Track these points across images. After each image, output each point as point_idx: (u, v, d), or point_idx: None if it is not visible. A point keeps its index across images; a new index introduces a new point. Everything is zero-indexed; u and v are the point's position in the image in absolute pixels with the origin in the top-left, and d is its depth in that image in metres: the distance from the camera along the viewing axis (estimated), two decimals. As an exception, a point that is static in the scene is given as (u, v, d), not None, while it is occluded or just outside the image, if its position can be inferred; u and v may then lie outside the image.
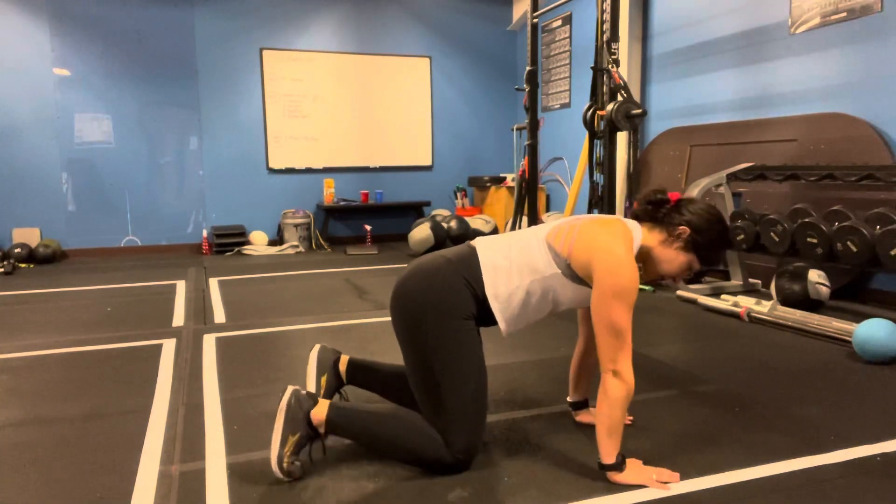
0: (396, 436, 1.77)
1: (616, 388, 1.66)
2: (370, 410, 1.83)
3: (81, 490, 1.73)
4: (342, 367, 2.15)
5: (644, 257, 1.80)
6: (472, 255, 1.82)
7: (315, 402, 1.81)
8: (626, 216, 1.96)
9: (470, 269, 1.79)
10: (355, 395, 2.25)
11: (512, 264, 1.78)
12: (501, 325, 1.81)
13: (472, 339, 1.77)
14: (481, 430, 1.77)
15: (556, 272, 1.76)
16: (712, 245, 1.80)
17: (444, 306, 1.74)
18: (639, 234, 1.79)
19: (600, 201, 4.43)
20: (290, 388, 1.81)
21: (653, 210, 1.83)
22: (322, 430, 1.79)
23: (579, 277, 1.75)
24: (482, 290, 1.78)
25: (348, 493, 1.68)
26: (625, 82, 4.20)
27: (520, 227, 5.78)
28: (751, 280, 4.40)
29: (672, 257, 1.80)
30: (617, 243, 1.69)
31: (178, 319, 3.72)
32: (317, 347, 2.17)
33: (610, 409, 1.66)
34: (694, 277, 4.51)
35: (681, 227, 1.78)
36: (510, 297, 1.78)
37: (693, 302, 3.94)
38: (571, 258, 1.74)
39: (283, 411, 1.76)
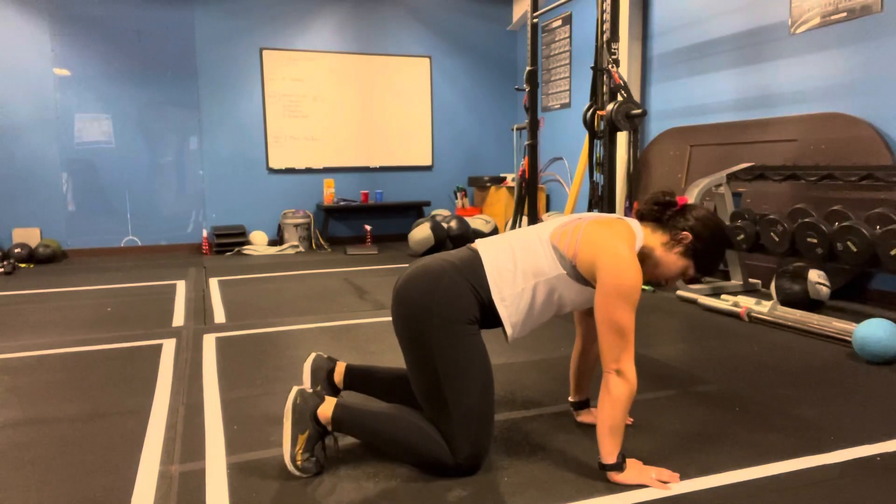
0: (401, 437, 1.76)
1: (619, 388, 1.66)
2: (376, 410, 1.83)
3: (81, 490, 1.73)
4: (338, 375, 2.14)
5: (643, 258, 1.80)
6: (476, 259, 1.81)
7: (322, 400, 1.81)
8: (626, 216, 1.95)
9: (474, 274, 1.78)
10: (354, 399, 2.24)
11: (517, 267, 1.78)
12: (508, 329, 1.80)
13: (477, 345, 1.76)
14: (487, 437, 1.76)
15: (561, 273, 1.75)
16: (710, 254, 1.81)
17: (448, 312, 1.73)
18: (641, 234, 1.79)
19: (600, 201, 4.43)
20: (295, 389, 1.82)
21: (658, 211, 1.83)
22: (330, 429, 1.80)
23: (584, 278, 1.75)
24: (487, 294, 1.77)
25: (348, 493, 1.68)
26: (625, 82, 4.20)
27: (520, 227, 5.78)
28: (751, 280, 4.40)
29: (670, 261, 1.80)
30: (621, 244, 1.69)
31: (178, 319, 3.72)
32: (311, 357, 2.16)
33: (612, 409, 1.66)
34: (693, 278, 4.51)
35: (683, 233, 1.78)
36: (516, 300, 1.77)
37: (693, 302, 3.94)
38: (577, 259, 1.74)
39: (289, 411, 1.77)
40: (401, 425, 1.77)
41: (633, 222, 1.82)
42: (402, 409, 1.84)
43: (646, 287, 4.34)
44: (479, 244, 1.87)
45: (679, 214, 1.81)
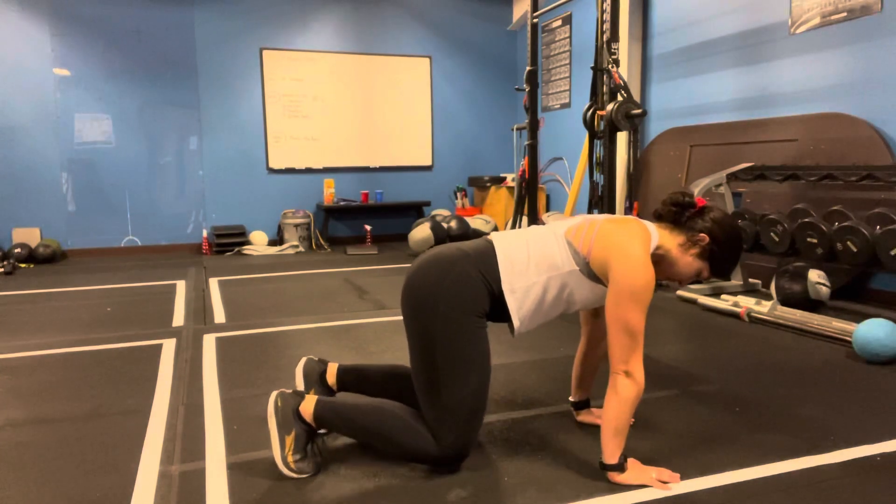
0: (383, 429, 1.77)
1: (627, 389, 1.66)
2: (356, 403, 1.83)
3: (81, 490, 1.73)
4: (330, 377, 2.13)
5: (658, 258, 1.79)
6: (490, 249, 1.81)
7: (301, 398, 1.82)
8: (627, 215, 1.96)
9: (486, 264, 1.78)
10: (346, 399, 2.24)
11: (530, 260, 1.78)
12: (515, 322, 1.79)
13: (481, 339, 1.76)
14: (473, 431, 1.76)
15: (574, 269, 1.76)
16: (727, 257, 1.80)
17: (457, 300, 1.73)
18: (656, 234, 1.78)
19: (600, 201, 4.43)
20: (273, 393, 1.83)
21: (676, 212, 1.81)
22: (315, 426, 1.80)
23: (596, 276, 1.75)
24: (498, 285, 1.77)
25: (348, 493, 1.68)
26: (625, 82, 4.20)
27: (520, 227, 5.78)
28: (751, 280, 4.40)
29: (686, 263, 1.79)
30: (635, 244, 1.69)
31: (178, 319, 3.72)
32: (302, 361, 2.16)
33: (619, 410, 1.66)
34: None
35: (701, 234, 1.77)
36: (526, 293, 1.77)
37: (693, 302, 3.94)
38: (591, 257, 1.74)
39: (271, 416, 1.78)
40: (382, 417, 1.78)
41: (648, 223, 1.82)
42: (385, 402, 1.85)
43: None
44: (494, 236, 1.87)
45: (697, 216, 1.79)
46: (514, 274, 1.77)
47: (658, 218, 1.86)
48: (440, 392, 1.73)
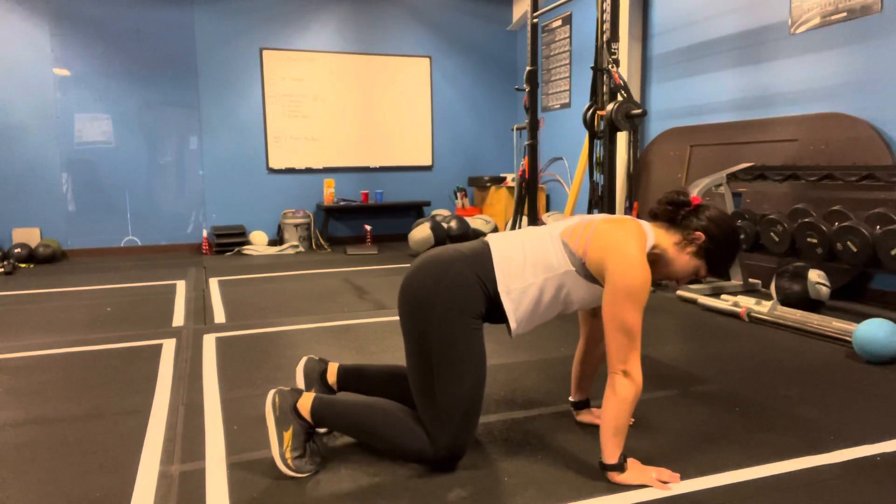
0: (378, 426, 1.78)
1: (625, 389, 1.66)
2: (354, 402, 1.84)
3: (81, 490, 1.73)
4: (331, 377, 2.13)
5: (654, 258, 1.80)
6: (486, 251, 1.81)
7: (299, 395, 1.83)
8: (625, 215, 1.96)
9: (483, 266, 1.78)
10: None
11: (526, 260, 1.78)
12: (512, 324, 1.80)
13: (477, 341, 1.76)
14: (468, 432, 1.77)
15: (570, 269, 1.76)
16: (723, 255, 1.80)
17: (453, 302, 1.74)
18: (652, 234, 1.78)
19: (600, 201, 4.43)
20: (271, 391, 1.84)
21: (672, 211, 1.81)
22: (312, 423, 1.81)
23: (593, 276, 1.75)
24: (494, 287, 1.77)
25: (348, 493, 1.68)
26: (625, 82, 4.20)
27: (520, 227, 5.78)
28: (751, 280, 4.40)
29: (682, 261, 1.80)
30: (631, 244, 1.69)
31: (178, 319, 3.72)
32: (303, 360, 2.17)
33: (618, 410, 1.66)
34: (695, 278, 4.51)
35: (696, 233, 1.77)
36: (522, 294, 1.77)
37: (693, 302, 3.94)
38: (586, 257, 1.74)
39: (269, 412, 1.79)
40: (380, 416, 1.79)
41: (644, 222, 1.82)
42: (383, 401, 1.85)
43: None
44: (490, 237, 1.87)
45: (692, 214, 1.80)
46: (510, 275, 1.77)
47: (654, 217, 1.86)
48: (435, 393, 1.73)
